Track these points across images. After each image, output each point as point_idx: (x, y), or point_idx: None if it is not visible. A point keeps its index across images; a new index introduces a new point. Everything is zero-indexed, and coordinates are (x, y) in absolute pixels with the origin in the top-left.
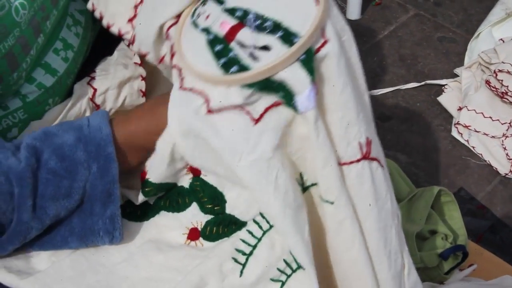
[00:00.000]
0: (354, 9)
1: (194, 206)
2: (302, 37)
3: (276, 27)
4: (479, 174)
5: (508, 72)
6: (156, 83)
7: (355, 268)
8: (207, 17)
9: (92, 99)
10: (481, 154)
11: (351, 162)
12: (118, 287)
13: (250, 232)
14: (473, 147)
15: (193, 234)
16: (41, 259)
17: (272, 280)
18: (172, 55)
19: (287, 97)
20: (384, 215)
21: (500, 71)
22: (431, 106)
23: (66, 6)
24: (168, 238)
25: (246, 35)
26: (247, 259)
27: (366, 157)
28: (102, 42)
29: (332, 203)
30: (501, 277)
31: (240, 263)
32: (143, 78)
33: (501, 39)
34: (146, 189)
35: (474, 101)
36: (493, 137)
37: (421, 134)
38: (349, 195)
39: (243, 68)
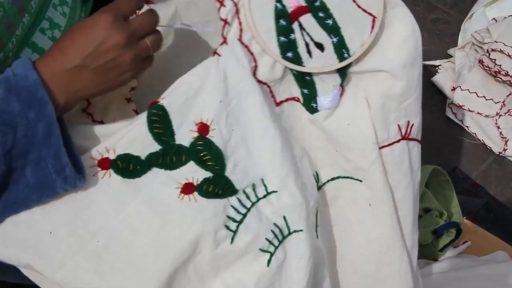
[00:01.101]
0: None
1: (190, 164)
2: (352, 57)
3: (334, 30)
4: (473, 153)
5: (501, 51)
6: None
7: (389, 240)
8: None
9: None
10: (475, 134)
11: (392, 143)
12: (117, 255)
13: (239, 201)
14: (467, 126)
15: (188, 189)
16: (34, 228)
17: (262, 250)
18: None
19: (311, 95)
20: (416, 187)
21: (493, 50)
22: (425, 87)
23: None
24: (161, 195)
25: (308, 21)
26: (237, 227)
27: (405, 137)
28: None
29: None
30: (494, 253)
31: (231, 230)
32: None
33: (494, 19)
34: (153, 111)
35: (467, 81)
36: (486, 116)
37: None
38: (383, 174)
39: (296, 58)
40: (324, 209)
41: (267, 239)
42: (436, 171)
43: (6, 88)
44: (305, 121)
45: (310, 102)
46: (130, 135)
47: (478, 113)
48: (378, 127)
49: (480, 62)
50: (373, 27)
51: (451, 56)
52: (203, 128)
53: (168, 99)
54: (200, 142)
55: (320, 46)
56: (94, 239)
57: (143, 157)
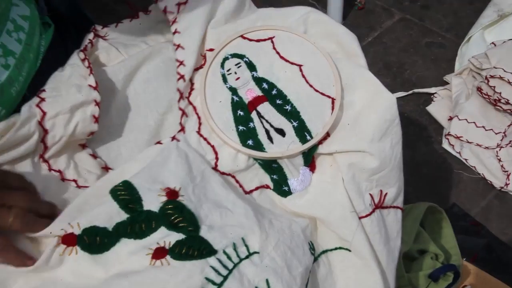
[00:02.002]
0: (335, 14)
1: (161, 230)
2: (314, 139)
3: (294, 114)
4: (473, 189)
5: (501, 77)
6: (109, 108)
7: None
8: (237, 78)
9: (40, 123)
10: (474, 167)
11: (369, 214)
12: None
13: (220, 261)
14: (465, 159)
15: (159, 253)
16: None
17: None
18: (191, 91)
19: (281, 179)
20: (396, 253)
21: (492, 76)
22: (420, 117)
23: (6, 11)
24: (132, 264)
25: (266, 108)
26: None
27: (378, 206)
28: (57, 53)
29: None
30: None
31: None
32: (97, 103)
33: (493, 43)
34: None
35: (465, 110)
36: (486, 148)
37: (410, 146)
38: (367, 241)
39: (257, 145)
40: (318, 281)
41: None
42: (432, 208)
43: None
44: (279, 205)
45: (281, 186)
46: (94, 208)
47: (478, 144)
48: (353, 197)
49: (479, 89)
50: (333, 108)
51: (447, 83)
52: (172, 193)
53: (133, 177)
54: (170, 206)
55: (280, 132)
56: None
57: (110, 228)
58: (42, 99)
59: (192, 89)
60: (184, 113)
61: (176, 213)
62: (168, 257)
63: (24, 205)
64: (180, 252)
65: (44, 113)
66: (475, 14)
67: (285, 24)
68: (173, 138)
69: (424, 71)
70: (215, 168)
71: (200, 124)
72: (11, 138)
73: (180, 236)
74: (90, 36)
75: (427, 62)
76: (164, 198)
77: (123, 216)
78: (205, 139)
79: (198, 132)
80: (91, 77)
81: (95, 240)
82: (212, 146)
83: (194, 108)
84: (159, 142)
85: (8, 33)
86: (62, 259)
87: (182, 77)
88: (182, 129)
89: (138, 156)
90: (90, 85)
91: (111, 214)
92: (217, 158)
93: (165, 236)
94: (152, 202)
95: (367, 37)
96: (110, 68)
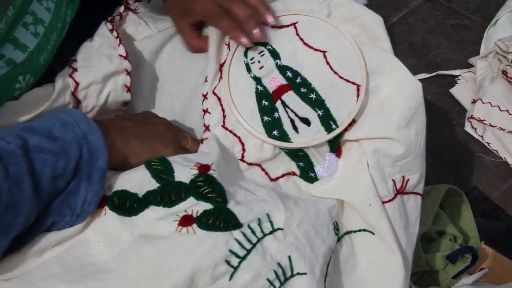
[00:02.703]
0: None
1: (190, 200)
2: (339, 128)
3: (318, 103)
4: (494, 172)
5: None
6: (141, 77)
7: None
8: (261, 67)
9: (74, 93)
10: (496, 151)
11: (392, 199)
12: (106, 283)
13: (244, 235)
14: (488, 143)
15: (186, 221)
16: (23, 260)
17: None
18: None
19: (307, 166)
20: (414, 239)
21: None
22: (443, 99)
23: None
24: (158, 229)
25: (291, 98)
26: (239, 263)
27: (399, 192)
28: (82, 24)
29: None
30: None
31: (232, 266)
32: (128, 73)
33: None
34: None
35: (489, 93)
36: (510, 132)
37: (432, 128)
38: (390, 226)
39: (283, 135)
40: (339, 261)
41: (268, 280)
42: (452, 190)
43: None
44: (305, 190)
45: (308, 173)
46: (128, 173)
47: (501, 128)
48: (377, 182)
49: (504, 73)
50: (358, 95)
51: (472, 66)
52: (204, 168)
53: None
54: (201, 179)
55: (305, 121)
56: (83, 271)
57: (140, 194)
58: (75, 70)
59: (220, 78)
60: (206, 112)
61: (206, 185)
62: (194, 225)
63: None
64: (207, 222)
65: (77, 84)
66: None
67: (308, 8)
68: (202, 140)
69: (449, 53)
70: (241, 159)
71: (224, 117)
72: (47, 109)
73: (208, 206)
74: (121, 9)
75: (452, 44)
76: (196, 172)
77: (154, 185)
78: (230, 131)
79: (223, 126)
80: (121, 47)
81: (124, 203)
82: (238, 137)
83: (219, 99)
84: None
85: (38, 1)
86: (91, 220)
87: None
88: (207, 128)
89: None
90: (120, 55)
91: (142, 182)
92: (243, 150)
93: (193, 205)
94: (184, 174)
95: (392, 17)
96: (137, 43)
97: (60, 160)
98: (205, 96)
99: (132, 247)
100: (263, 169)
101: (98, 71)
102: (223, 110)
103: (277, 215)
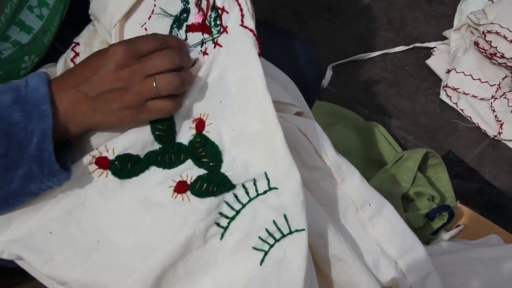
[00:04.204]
0: None
1: (187, 162)
2: None
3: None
4: (468, 137)
5: (497, 32)
6: None
7: None
8: None
9: None
10: (469, 117)
11: None
12: (107, 254)
13: (236, 196)
14: (461, 109)
15: (181, 187)
16: (25, 221)
17: (255, 249)
18: None
19: None
20: None
21: (488, 32)
22: (420, 70)
23: None
24: (155, 194)
25: None
26: (228, 223)
27: None
28: (82, 2)
29: None
30: (487, 237)
31: (222, 227)
32: None
33: (490, 0)
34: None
35: (462, 64)
36: (481, 99)
37: (410, 97)
38: None
39: None
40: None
41: (260, 238)
42: (429, 154)
43: (13, 97)
44: None
45: None
46: (132, 135)
47: (473, 96)
48: None
49: (476, 44)
50: None
51: (446, 38)
52: (200, 124)
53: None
54: (197, 139)
55: None
56: (85, 237)
57: (142, 155)
58: (77, 54)
59: None
60: (224, 11)
61: (201, 147)
62: (188, 192)
63: (163, 68)
64: (201, 188)
65: None
66: None
67: None
68: (216, 44)
69: (425, 26)
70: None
71: (242, 16)
72: None
73: (202, 171)
74: None
75: (428, 18)
76: (194, 131)
77: (156, 146)
78: (251, 30)
79: (242, 25)
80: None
81: (126, 166)
82: (255, 34)
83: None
84: (205, 53)
85: None
86: (91, 179)
87: None
88: (224, 29)
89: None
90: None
91: (145, 144)
92: (259, 44)
93: (189, 169)
94: (184, 135)
95: None
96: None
97: (1, 142)
98: None
99: (130, 215)
100: None
101: None
102: (241, 9)
103: (274, 174)
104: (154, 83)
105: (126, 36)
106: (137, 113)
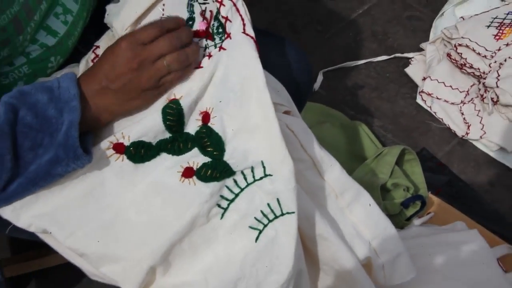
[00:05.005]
0: None
1: (194, 150)
2: None
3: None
4: (439, 136)
5: (467, 46)
6: None
7: None
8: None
9: None
10: (441, 119)
11: None
12: (121, 231)
13: (235, 181)
14: (434, 112)
15: (188, 172)
16: (51, 201)
17: (251, 228)
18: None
19: None
20: None
21: (459, 45)
22: (399, 77)
23: None
24: (165, 178)
25: None
26: (228, 205)
27: None
28: (102, 9)
29: None
30: (453, 223)
31: (222, 208)
32: None
33: (461, 17)
34: (170, 105)
35: (436, 72)
36: (452, 103)
37: (390, 101)
38: None
39: None
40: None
41: (255, 218)
42: (405, 151)
43: (49, 97)
44: None
45: None
46: (145, 124)
47: (445, 100)
48: None
49: (448, 55)
50: None
51: (423, 50)
52: (206, 117)
53: (185, 97)
54: (203, 130)
55: None
56: (103, 214)
57: (154, 143)
58: (97, 56)
59: None
60: (227, 20)
61: (206, 137)
62: (194, 177)
63: (167, 52)
64: (205, 174)
65: None
66: None
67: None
68: (220, 48)
69: (404, 39)
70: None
71: (244, 24)
72: None
73: (206, 159)
74: None
75: (407, 32)
76: (200, 123)
77: (166, 135)
78: (251, 37)
79: (244, 32)
80: None
81: (139, 152)
82: (255, 42)
83: (237, 10)
84: (209, 55)
85: None
86: (109, 162)
87: None
88: (228, 35)
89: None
90: None
91: (157, 133)
92: (258, 49)
93: (195, 157)
94: (191, 126)
95: (358, 9)
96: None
97: (38, 133)
98: (221, 3)
99: (143, 195)
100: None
101: None
102: (242, 19)
103: (269, 162)
104: (164, 62)
105: None
106: (157, 91)
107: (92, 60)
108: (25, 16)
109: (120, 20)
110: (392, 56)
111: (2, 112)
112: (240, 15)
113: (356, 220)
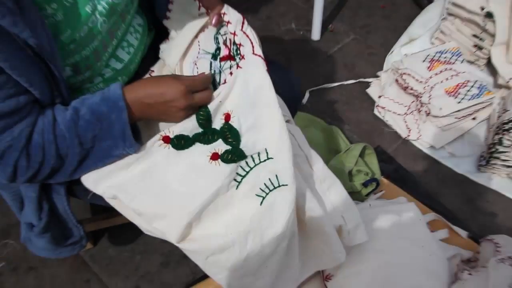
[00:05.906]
0: (316, 34)
1: (219, 141)
2: None
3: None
4: (390, 137)
5: (409, 74)
6: None
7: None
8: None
9: None
10: (391, 125)
11: None
12: (168, 196)
13: (247, 163)
14: (386, 120)
15: (214, 156)
16: (118, 175)
17: (257, 195)
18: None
19: None
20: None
21: (404, 73)
22: (362, 95)
23: (130, 21)
24: (199, 160)
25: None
26: (241, 179)
27: None
28: (156, 44)
29: None
30: (397, 198)
31: (237, 181)
32: None
33: (405, 54)
34: (201, 112)
35: (388, 92)
36: (399, 114)
37: (356, 112)
38: None
39: None
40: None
41: (260, 188)
42: (366, 147)
43: (101, 97)
44: None
45: None
46: (185, 123)
47: (394, 112)
48: None
49: (396, 81)
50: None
51: (379, 76)
52: (228, 117)
53: (212, 104)
54: (226, 127)
55: None
56: (155, 185)
57: (190, 136)
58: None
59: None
60: (241, 45)
61: (228, 131)
62: (219, 160)
63: (208, 101)
64: (227, 158)
65: None
66: (397, 38)
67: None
68: (237, 66)
69: (366, 68)
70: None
71: (253, 47)
72: None
73: (228, 147)
74: None
75: (367, 64)
76: (223, 121)
77: (199, 130)
78: (259, 56)
79: (253, 53)
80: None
81: (180, 142)
82: (265, 60)
83: (247, 36)
84: (231, 73)
85: (131, 33)
86: (159, 149)
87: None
88: (243, 57)
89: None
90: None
91: (193, 128)
92: (268, 68)
93: (220, 145)
94: (217, 123)
95: (334, 48)
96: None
97: (95, 126)
98: (234, 34)
99: (183, 172)
100: None
101: None
102: (251, 42)
103: (271, 148)
104: (197, 102)
105: (185, 69)
106: (183, 119)
107: None
108: (102, 49)
109: (172, 57)
110: (357, 80)
111: (69, 113)
112: (250, 40)
113: (333, 199)
